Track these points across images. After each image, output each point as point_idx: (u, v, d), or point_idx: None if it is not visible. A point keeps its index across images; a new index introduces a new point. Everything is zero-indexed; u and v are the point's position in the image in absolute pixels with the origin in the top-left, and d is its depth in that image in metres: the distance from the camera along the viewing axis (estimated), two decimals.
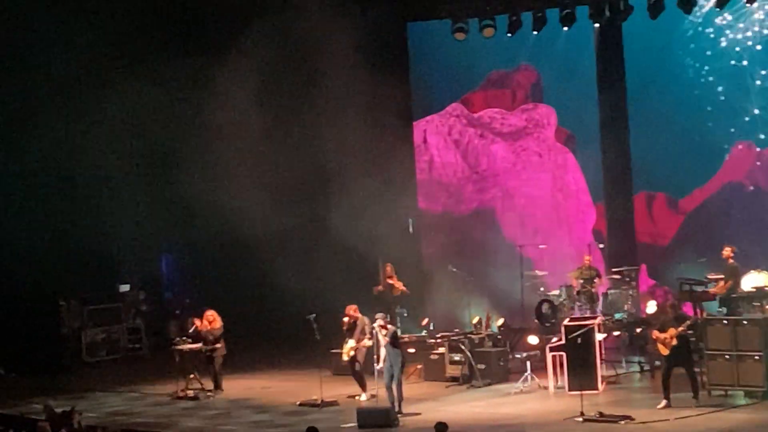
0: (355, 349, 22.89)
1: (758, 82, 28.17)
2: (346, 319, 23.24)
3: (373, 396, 22.50)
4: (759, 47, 28.13)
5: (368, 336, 22.58)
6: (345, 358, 23.10)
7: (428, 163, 31.75)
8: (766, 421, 19.41)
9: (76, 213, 29.35)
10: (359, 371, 23.00)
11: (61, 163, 29.02)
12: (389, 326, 21.70)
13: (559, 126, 30.75)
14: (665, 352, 20.67)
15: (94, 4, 28.78)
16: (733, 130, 28.54)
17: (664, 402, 20.49)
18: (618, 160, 29.45)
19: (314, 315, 22.99)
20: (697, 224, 29.11)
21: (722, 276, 24.21)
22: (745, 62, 28.30)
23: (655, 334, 20.88)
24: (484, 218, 31.01)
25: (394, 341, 21.47)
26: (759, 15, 28.05)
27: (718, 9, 27.60)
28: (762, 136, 28.34)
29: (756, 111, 28.23)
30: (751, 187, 28.57)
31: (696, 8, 27.62)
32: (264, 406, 23.24)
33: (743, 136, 28.54)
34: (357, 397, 22.99)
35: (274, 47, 28.16)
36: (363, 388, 23.00)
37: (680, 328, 20.43)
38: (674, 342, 20.48)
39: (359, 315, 23.15)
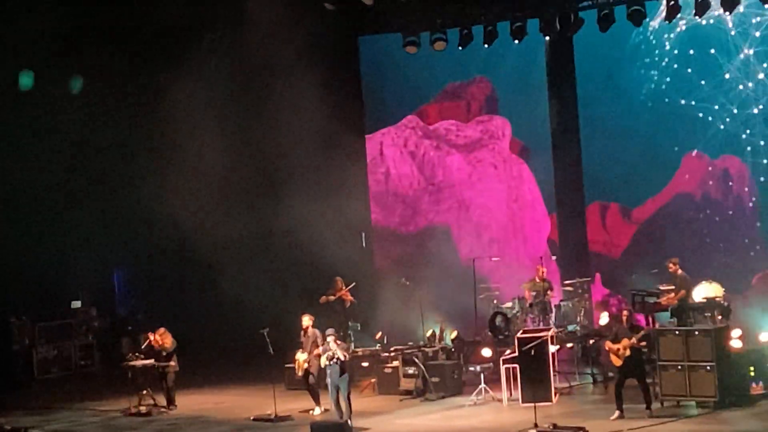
0: (308, 362, 22.79)
1: (711, 92, 28.41)
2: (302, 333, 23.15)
3: (326, 410, 22.45)
4: (705, 57, 28.42)
5: (320, 348, 22.47)
6: (299, 372, 23.01)
7: (384, 175, 31.83)
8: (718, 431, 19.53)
9: (26, 228, 29.09)
10: (313, 384, 22.92)
11: (10, 178, 28.76)
12: (339, 342, 21.61)
13: (514, 137, 30.93)
14: (618, 363, 20.71)
15: (44, 15, 28.52)
16: (684, 140, 28.74)
17: (617, 413, 20.53)
18: (569, 170, 29.68)
19: (267, 329, 22.89)
20: (650, 234, 29.38)
21: (673, 287, 24.33)
22: (697, 72, 28.52)
23: (608, 345, 20.91)
24: (438, 231, 31.04)
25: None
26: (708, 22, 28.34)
27: (667, 22, 27.79)
28: (712, 147, 28.56)
29: (709, 119, 28.46)
30: (702, 198, 28.75)
31: (645, 20, 27.77)
32: (217, 422, 23.08)
33: (695, 147, 28.75)
34: (311, 411, 22.90)
35: (226, 60, 28.22)
36: (317, 401, 22.92)
37: (633, 339, 20.49)
38: (627, 353, 20.53)
39: (311, 326, 23.03)
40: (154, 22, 28.75)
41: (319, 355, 21.92)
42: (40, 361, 29.89)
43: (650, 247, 28.84)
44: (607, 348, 21.05)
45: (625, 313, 21.24)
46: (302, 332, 22.98)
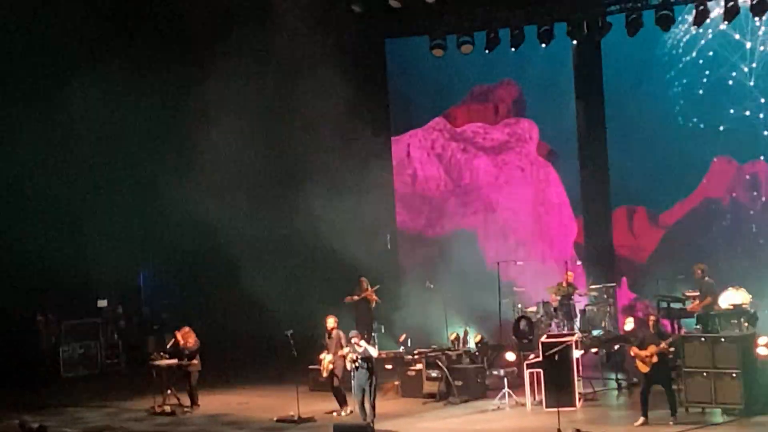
0: (333, 363, 22.80)
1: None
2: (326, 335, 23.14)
3: (351, 412, 22.46)
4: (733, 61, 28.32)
5: (347, 348, 22.49)
6: (324, 373, 23.02)
7: (412, 177, 31.86)
8: None
9: (54, 228, 29.22)
10: (338, 386, 22.92)
11: (38, 179, 28.95)
12: (362, 342, 21.60)
13: (541, 140, 30.86)
14: (645, 369, 20.57)
15: (74, 21, 28.67)
16: (713, 144, 28.64)
17: (641, 419, 20.44)
18: (596, 174, 29.64)
19: (291, 331, 22.93)
20: (677, 238, 29.24)
21: (698, 293, 24.22)
22: (725, 76, 28.42)
23: (635, 351, 20.78)
24: (464, 234, 31.02)
25: (370, 358, 21.38)
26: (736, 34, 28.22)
27: (696, 26, 27.71)
28: (741, 151, 28.45)
29: (738, 123, 28.34)
30: (730, 202, 28.65)
31: (674, 26, 27.69)
32: (241, 422, 23.12)
33: (723, 151, 28.65)
34: (335, 413, 22.91)
35: (252, 61, 28.19)
36: (341, 403, 22.93)
37: (662, 345, 20.39)
38: (655, 359, 20.40)
39: (336, 327, 23.04)
40: (182, 22, 28.89)
41: (344, 356, 21.94)
42: (66, 359, 30.03)
43: (677, 252, 28.69)
44: (633, 354, 20.90)
45: (652, 318, 21.12)
46: (326, 334, 22.99)
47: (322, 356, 23.03)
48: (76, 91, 28.41)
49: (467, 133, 31.56)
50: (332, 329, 22.96)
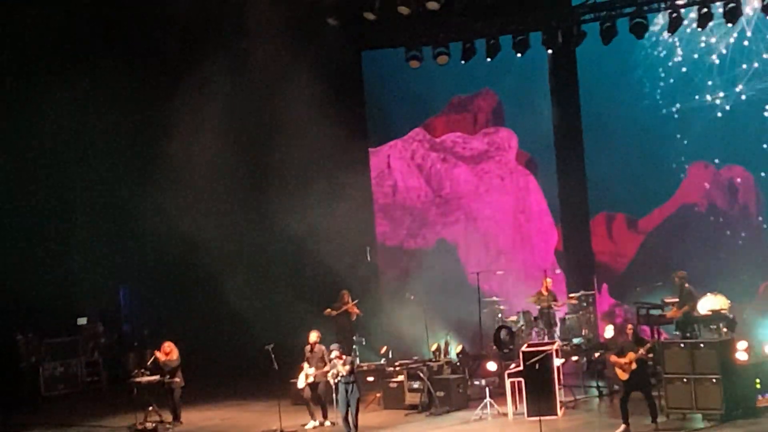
0: (315, 377, 22.78)
1: (715, 101, 28.40)
2: (306, 348, 23.11)
3: (321, 424, 22.62)
4: (708, 68, 28.44)
5: (326, 367, 22.49)
6: (301, 384, 22.96)
7: (392, 188, 31.86)
8: None
9: (32, 246, 29.13)
10: (313, 399, 22.89)
11: (15, 196, 28.86)
12: (344, 356, 21.58)
13: (520, 149, 30.94)
14: (624, 376, 20.61)
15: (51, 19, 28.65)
16: (690, 150, 28.77)
17: (623, 426, 20.43)
18: (574, 181, 29.69)
19: (272, 345, 22.91)
20: (656, 244, 29.33)
21: (677, 300, 24.28)
22: (700, 82, 28.56)
23: (613, 358, 20.82)
24: (444, 244, 31.06)
25: (352, 372, 21.39)
26: (712, 39, 28.35)
27: (669, 34, 27.83)
28: (718, 157, 28.58)
29: (714, 129, 28.46)
30: (708, 207, 28.76)
31: (647, 33, 27.79)
32: None
33: (700, 157, 28.76)
34: (305, 426, 22.88)
35: (230, 77, 28.17)
36: (312, 416, 22.94)
37: (640, 352, 20.43)
38: (634, 366, 20.45)
39: (318, 342, 23.04)
40: (161, 35, 28.86)
41: (326, 373, 21.97)
42: (47, 378, 29.85)
43: (657, 257, 28.82)
44: (612, 362, 20.97)
45: (630, 327, 21.19)
46: (308, 347, 22.98)
47: (304, 366, 22.96)
48: (49, 107, 28.40)
49: (447, 143, 31.63)
50: (314, 344, 22.96)
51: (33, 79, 28.10)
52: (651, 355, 20.82)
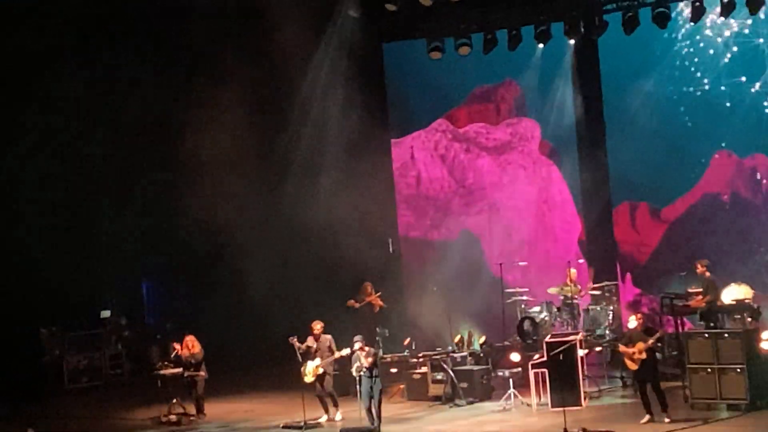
0: (324, 368, 22.78)
1: (736, 91, 28.28)
2: (309, 340, 23.05)
3: (331, 419, 22.70)
4: (731, 57, 28.29)
5: (336, 354, 22.51)
6: (309, 379, 22.91)
7: (416, 179, 31.83)
8: None
9: (56, 239, 29.21)
10: (325, 392, 22.90)
11: (39, 190, 28.95)
12: (367, 348, 21.57)
13: (543, 139, 30.88)
14: (633, 366, 20.52)
15: (77, 34, 28.68)
16: (713, 139, 28.65)
17: (647, 417, 20.43)
18: (596, 171, 29.59)
19: (295, 336, 22.91)
20: (679, 233, 29.24)
21: (701, 290, 24.17)
22: (722, 71, 28.43)
23: (622, 348, 20.70)
24: (468, 234, 31.03)
25: (375, 363, 21.38)
26: (734, 27, 28.20)
27: (692, 23, 27.71)
28: (741, 146, 28.45)
29: (738, 118, 28.33)
30: (731, 196, 28.66)
31: (671, 22, 27.67)
32: (247, 429, 23.16)
33: (723, 145, 28.65)
34: (319, 419, 22.89)
35: (251, 70, 28.15)
36: (326, 409, 22.97)
37: (650, 342, 20.34)
38: (643, 356, 20.36)
39: (322, 332, 23.03)
40: (183, 26, 28.83)
41: (331, 363, 22.15)
42: (71, 371, 29.97)
43: (681, 246, 28.73)
44: (621, 352, 20.88)
45: (639, 316, 21.07)
46: (312, 338, 22.93)
47: (309, 362, 22.91)
48: (74, 101, 28.48)
49: (470, 134, 31.57)
50: (319, 334, 22.95)
51: (58, 71, 28.07)
52: (660, 345, 20.73)
